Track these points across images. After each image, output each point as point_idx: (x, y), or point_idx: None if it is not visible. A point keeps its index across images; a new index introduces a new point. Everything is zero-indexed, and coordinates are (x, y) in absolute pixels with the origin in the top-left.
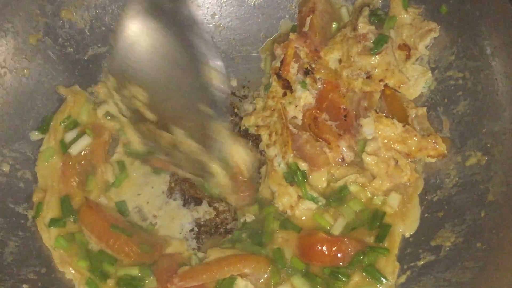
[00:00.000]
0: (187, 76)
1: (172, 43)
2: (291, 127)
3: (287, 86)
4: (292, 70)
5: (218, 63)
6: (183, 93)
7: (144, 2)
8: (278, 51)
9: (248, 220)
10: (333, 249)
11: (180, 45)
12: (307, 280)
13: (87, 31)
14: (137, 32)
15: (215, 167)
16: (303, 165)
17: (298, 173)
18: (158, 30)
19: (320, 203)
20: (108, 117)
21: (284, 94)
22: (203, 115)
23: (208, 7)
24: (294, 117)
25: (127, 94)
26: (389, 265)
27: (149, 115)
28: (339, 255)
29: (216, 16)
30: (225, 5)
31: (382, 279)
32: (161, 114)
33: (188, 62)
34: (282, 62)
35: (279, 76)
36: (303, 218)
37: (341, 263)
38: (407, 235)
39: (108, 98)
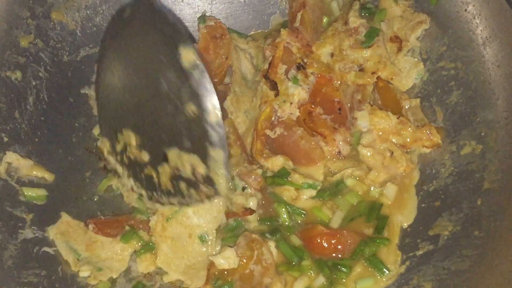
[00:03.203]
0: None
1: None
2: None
3: (275, 87)
4: (280, 71)
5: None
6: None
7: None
8: (267, 52)
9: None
10: (333, 241)
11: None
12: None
13: (78, 32)
14: (114, 76)
15: (216, 178)
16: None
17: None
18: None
19: (318, 187)
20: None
21: (276, 95)
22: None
23: (198, 5)
24: (291, 114)
25: (121, 146)
26: (391, 255)
27: (144, 155)
28: (339, 247)
29: (207, 14)
30: (215, 3)
31: (384, 269)
32: (154, 144)
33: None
34: (270, 64)
35: (266, 77)
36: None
37: (340, 255)
38: (405, 225)
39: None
